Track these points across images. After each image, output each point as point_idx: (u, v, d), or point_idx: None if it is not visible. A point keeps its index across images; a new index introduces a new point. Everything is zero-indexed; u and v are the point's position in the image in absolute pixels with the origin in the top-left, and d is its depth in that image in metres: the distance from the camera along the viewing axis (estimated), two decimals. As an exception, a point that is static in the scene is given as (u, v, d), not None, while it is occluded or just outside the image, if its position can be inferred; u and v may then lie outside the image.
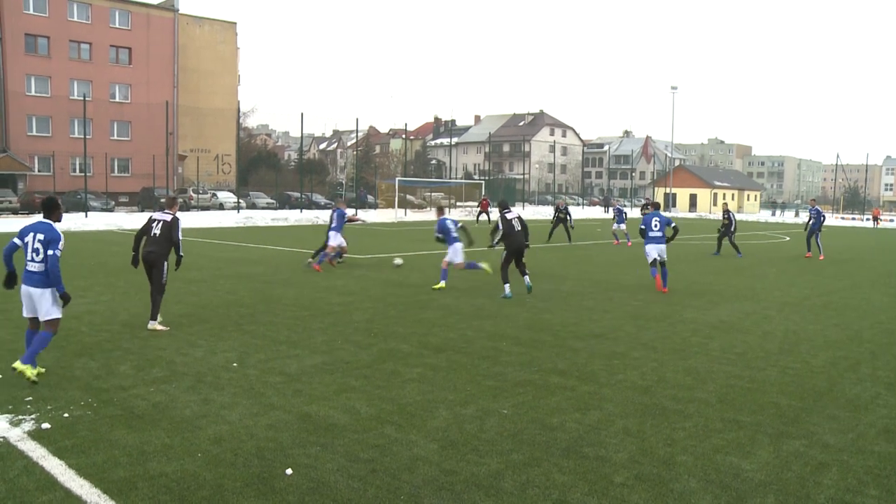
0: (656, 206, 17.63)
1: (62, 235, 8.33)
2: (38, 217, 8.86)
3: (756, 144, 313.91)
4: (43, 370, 8.22)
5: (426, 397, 7.59)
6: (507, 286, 14.73)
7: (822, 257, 25.03)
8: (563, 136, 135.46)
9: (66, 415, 6.77)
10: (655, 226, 15.90)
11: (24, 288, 8.21)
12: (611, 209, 39.83)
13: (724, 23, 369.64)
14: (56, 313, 8.14)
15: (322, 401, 7.38)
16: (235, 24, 77.29)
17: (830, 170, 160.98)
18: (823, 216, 25.89)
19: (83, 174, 51.80)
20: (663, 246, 15.89)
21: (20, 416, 6.72)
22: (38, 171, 60.36)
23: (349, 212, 19.42)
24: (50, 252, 8.10)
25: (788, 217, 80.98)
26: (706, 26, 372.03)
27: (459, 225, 16.17)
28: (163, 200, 13.15)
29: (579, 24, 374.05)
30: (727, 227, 25.56)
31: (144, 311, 12.14)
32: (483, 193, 59.24)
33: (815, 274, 20.31)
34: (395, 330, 11.06)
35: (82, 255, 22.05)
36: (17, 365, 7.73)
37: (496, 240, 15.23)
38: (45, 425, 6.46)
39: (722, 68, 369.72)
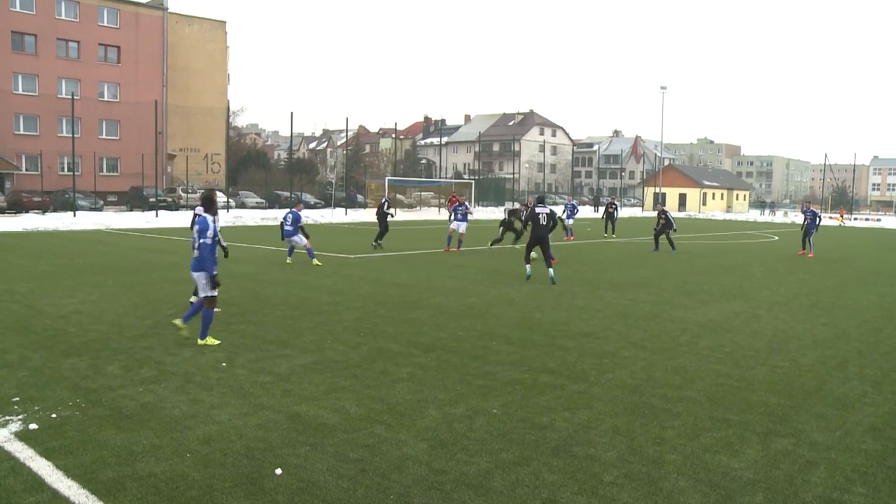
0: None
1: (211, 225, 9.78)
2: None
3: (745, 144, 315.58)
4: (218, 341, 9.77)
5: (416, 397, 7.58)
6: (527, 266, 17.30)
7: (811, 255, 25.51)
8: (553, 135, 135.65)
9: (53, 415, 6.74)
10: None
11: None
12: (600, 209, 40.00)
13: (713, 23, 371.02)
14: (210, 292, 9.69)
15: (311, 400, 7.36)
16: (225, 22, 77.09)
17: (819, 169, 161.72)
18: (819, 217, 26.79)
19: (71, 173, 51.53)
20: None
21: (7, 417, 6.68)
22: (26, 170, 60.04)
23: (303, 213, 19.95)
24: (202, 240, 9.68)
25: (778, 217, 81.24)
26: (696, 26, 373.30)
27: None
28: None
29: (569, 24, 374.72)
30: (664, 225, 26.83)
31: (132, 312, 12.12)
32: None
33: (803, 273, 20.41)
34: (384, 329, 11.05)
35: (70, 254, 21.94)
36: (199, 341, 9.64)
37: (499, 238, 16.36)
38: (33, 426, 6.42)
39: (711, 68, 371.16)
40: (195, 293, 10.82)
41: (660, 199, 79.04)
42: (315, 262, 19.16)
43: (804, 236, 26.64)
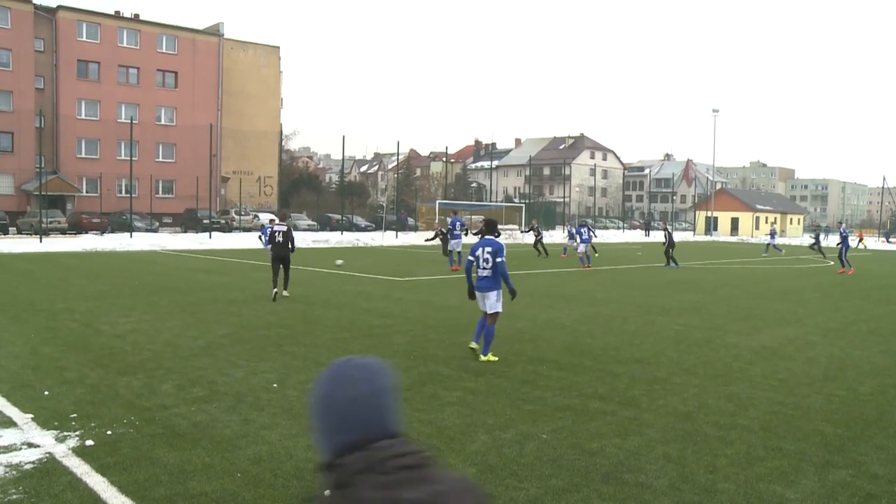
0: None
1: (504, 246, 10.68)
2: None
3: (799, 167, 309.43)
4: (495, 359, 10.45)
5: (465, 421, 7.56)
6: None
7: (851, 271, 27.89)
8: (604, 159, 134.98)
9: (109, 432, 6.87)
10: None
11: (477, 292, 10.62)
12: (654, 232, 40.88)
13: (766, 45, 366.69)
14: (499, 308, 10.55)
15: (361, 422, 7.37)
16: (279, 48, 78.52)
17: (876, 193, 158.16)
18: (844, 234, 30.38)
19: (129, 195, 52.78)
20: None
21: (65, 433, 6.83)
22: (86, 192, 61.68)
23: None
24: (498, 259, 10.42)
25: (833, 241, 79.44)
26: (748, 49, 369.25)
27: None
28: (280, 216, 20.04)
29: (620, 48, 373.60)
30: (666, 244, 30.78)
31: (186, 332, 12.32)
32: (527, 216, 59.01)
33: (860, 299, 19.92)
34: (434, 353, 11.06)
35: (126, 274, 22.41)
36: (485, 358, 10.43)
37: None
38: (89, 442, 6.56)
39: (764, 91, 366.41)
40: (274, 276, 17.05)
41: (657, 218, 77.97)
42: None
43: (839, 255, 29.46)
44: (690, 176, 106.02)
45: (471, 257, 10.82)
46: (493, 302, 10.46)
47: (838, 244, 30.12)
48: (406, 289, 19.97)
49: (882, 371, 10.53)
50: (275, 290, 17.06)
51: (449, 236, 26.90)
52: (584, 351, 11.47)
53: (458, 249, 26.37)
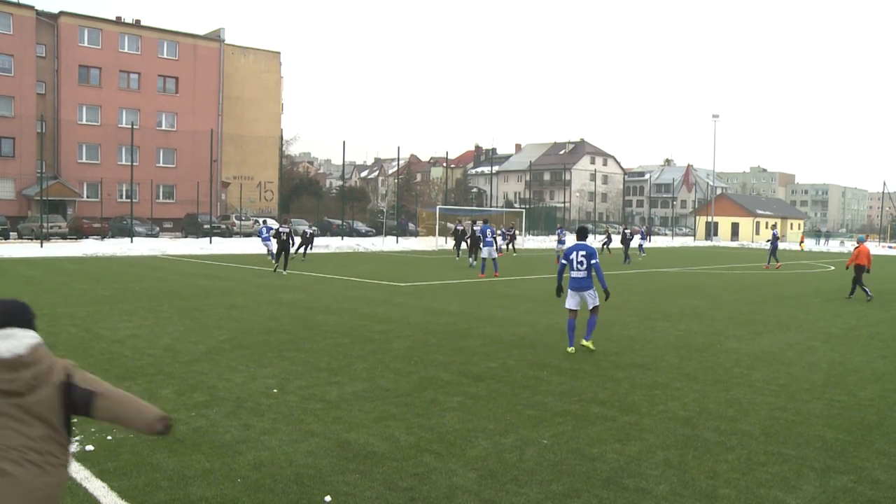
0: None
1: (596, 250, 12.18)
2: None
3: (799, 172, 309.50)
4: (593, 348, 11.84)
5: (466, 426, 7.55)
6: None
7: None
8: (604, 164, 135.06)
9: (109, 437, 6.86)
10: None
11: (572, 292, 11.79)
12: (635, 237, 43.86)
13: (766, 51, 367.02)
14: (597, 302, 11.76)
15: (361, 428, 7.38)
16: (279, 53, 78.62)
17: (877, 198, 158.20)
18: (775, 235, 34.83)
19: (129, 200, 52.81)
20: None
21: (65, 439, 6.81)
22: (87, 197, 61.75)
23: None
24: (593, 261, 11.70)
25: (833, 246, 79.52)
26: (748, 54, 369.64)
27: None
28: (284, 220, 30.40)
29: (621, 53, 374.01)
30: (628, 241, 38.39)
31: (186, 336, 12.32)
32: (528, 221, 59.03)
33: (860, 304, 19.90)
34: (435, 358, 11.05)
35: (127, 279, 22.41)
36: (585, 342, 11.82)
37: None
38: (89, 447, 6.55)
39: (764, 96, 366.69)
40: (276, 260, 26.69)
41: (701, 228, 78.16)
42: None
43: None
44: (690, 181, 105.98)
45: (564, 260, 12.02)
46: (591, 298, 11.72)
47: (768, 241, 36.19)
48: (407, 294, 19.96)
49: (883, 376, 10.52)
50: (277, 269, 26.14)
51: (481, 244, 26.80)
52: (584, 356, 11.46)
53: (493, 256, 26.25)
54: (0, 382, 3.01)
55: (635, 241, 42.21)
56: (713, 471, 6.39)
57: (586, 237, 12.32)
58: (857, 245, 22.13)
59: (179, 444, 6.72)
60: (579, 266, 11.68)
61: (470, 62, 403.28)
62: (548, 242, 53.11)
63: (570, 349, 11.72)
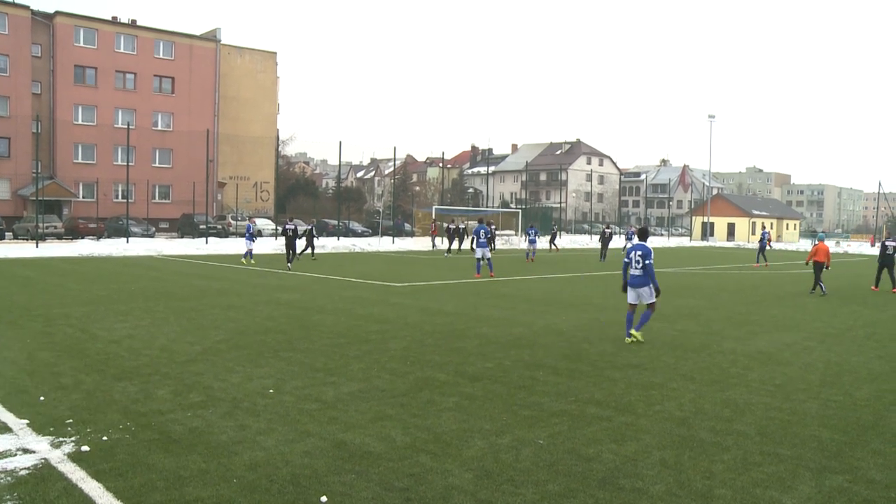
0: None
1: (652, 251, 12.62)
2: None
3: (795, 173, 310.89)
4: (642, 340, 12.68)
5: (462, 426, 7.55)
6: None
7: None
8: (600, 164, 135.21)
9: (105, 438, 6.85)
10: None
11: (630, 288, 12.67)
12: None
13: (762, 51, 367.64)
14: (653, 298, 12.56)
15: (357, 428, 7.38)
16: (275, 53, 78.65)
17: (872, 198, 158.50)
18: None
19: (125, 200, 52.75)
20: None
21: (61, 439, 6.81)
22: (83, 197, 61.73)
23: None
24: (647, 262, 12.41)
25: (829, 247, 79.55)
26: (744, 55, 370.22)
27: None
28: (289, 219, 31.63)
29: (617, 54, 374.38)
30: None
31: (182, 337, 12.30)
32: (524, 221, 59.09)
33: (857, 304, 19.94)
34: (431, 358, 11.04)
35: (123, 279, 22.38)
36: (634, 332, 12.60)
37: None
38: (85, 448, 6.53)
39: (760, 96, 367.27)
40: (289, 260, 28.35)
41: (697, 228, 78.01)
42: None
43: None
44: (687, 181, 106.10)
45: (626, 259, 12.76)
46: (647, 295, 12.53)
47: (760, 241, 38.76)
48: (403, 294, 19.95)
49: (879, 376, 10.53)
50: (288, 264, 28.18)
51: (474, 244, 26.56)
52: (580, 357, 11.46)
53: (488, 257, 25.84)
54: None
55: (622, 241, 43.08)
56: (709, 471, 6.39)
57: (646, 238, 12.96)
58: (815, 243, 22.20)
59: (175, 444, 6.71)
60: (636, 265, 12.50)
61: (466, 62, 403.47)
62: (546, 243, 53.09)
63: (628, 340, 12.63)
